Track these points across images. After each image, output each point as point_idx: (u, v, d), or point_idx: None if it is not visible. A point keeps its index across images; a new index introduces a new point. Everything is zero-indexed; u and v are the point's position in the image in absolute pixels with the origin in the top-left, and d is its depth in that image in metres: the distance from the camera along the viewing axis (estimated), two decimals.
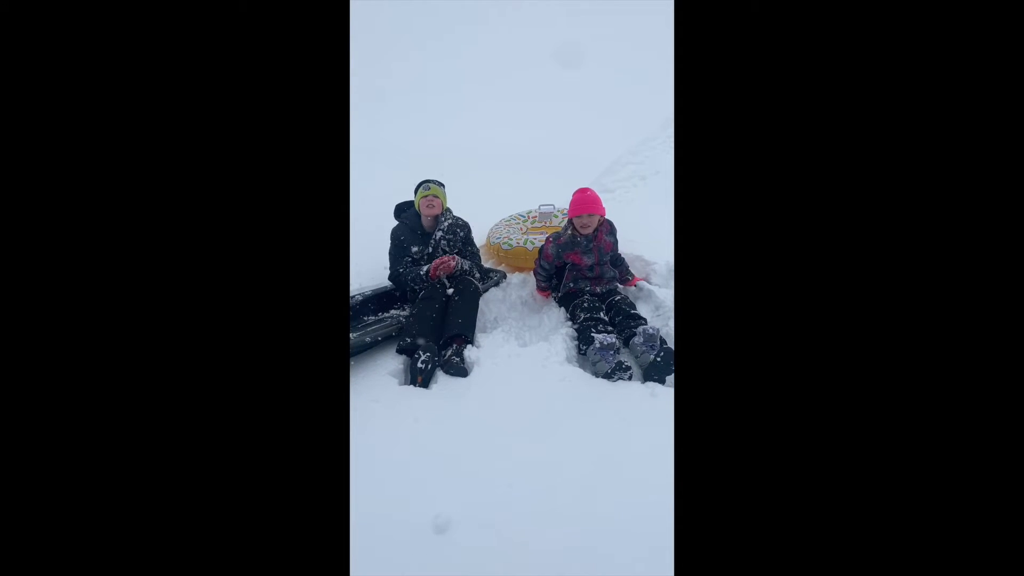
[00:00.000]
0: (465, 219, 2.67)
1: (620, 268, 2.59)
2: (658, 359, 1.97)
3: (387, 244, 2.59)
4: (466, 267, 2.45)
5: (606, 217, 2.50)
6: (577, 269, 2.44)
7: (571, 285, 2.45)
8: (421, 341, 2.01)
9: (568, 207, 2.45)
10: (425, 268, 2.37)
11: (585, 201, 2.38)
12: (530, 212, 3.29)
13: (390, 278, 2.57)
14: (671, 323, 2.25)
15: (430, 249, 2.48)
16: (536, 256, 2.70)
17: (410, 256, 2.50)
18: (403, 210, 2.70)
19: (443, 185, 2.59)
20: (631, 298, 2.53)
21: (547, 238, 2.52)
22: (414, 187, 2.61)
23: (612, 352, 1.98)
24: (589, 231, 2.39)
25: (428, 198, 2.47)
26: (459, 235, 2.54)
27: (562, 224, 3.09)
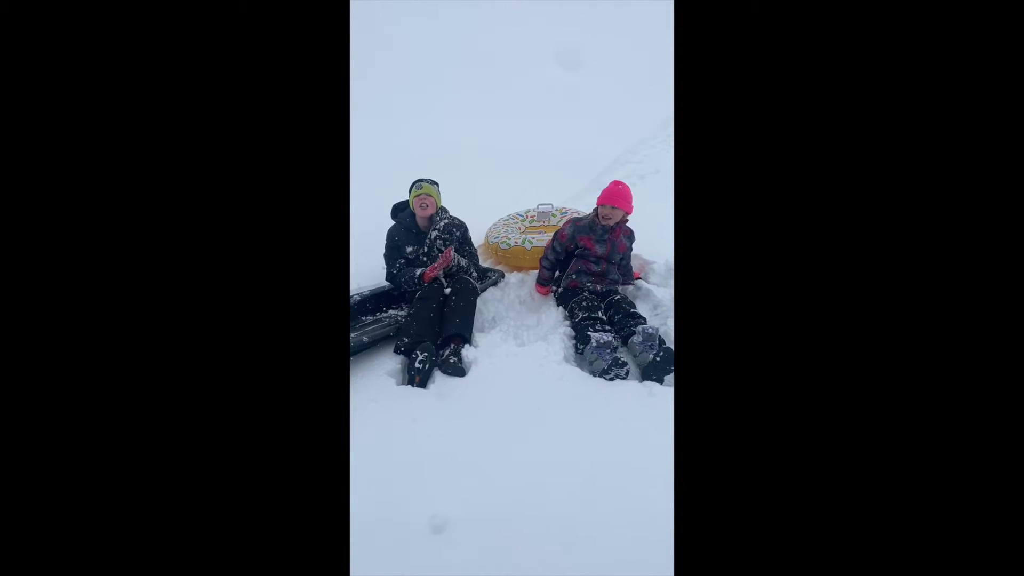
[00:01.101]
0: (463, 219, 2.66)
1: (624, 273, 2.61)
2: (657, 359, 1.97)
3: (382, 244, 2.59)
4: (463, 263, 2.45)
5: (628, 224, 2.55)
6: (586, 256, 2.45)
7: (573, 277, 2.45)
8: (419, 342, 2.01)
9: (596, 198, 2.52)
10: (420, 271, 2.36)
11: (614, 193, 2.44)
12: (528, 212, 3.29)
13: (387, 279, 2.57)
14: (669, 322, 2.25)
15: (425, 248, 2.48)
16: (535, 256, 2.70)
17: (404, 256, 2.49)
18: (400, 210, 2.68)
19: (436, 183, 2.57)
20: (630, 297, 2.53)
21: (566, 220, 2.59)
22: (408, 186, 2.59)
23: (609, 350, 1.98)
24: (610, 223, 2.44)
25: (421, 197, 2.45)
26: (455, 234, 2.53)
27: (560, 223, 3.09)
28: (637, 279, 2.67)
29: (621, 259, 2.52)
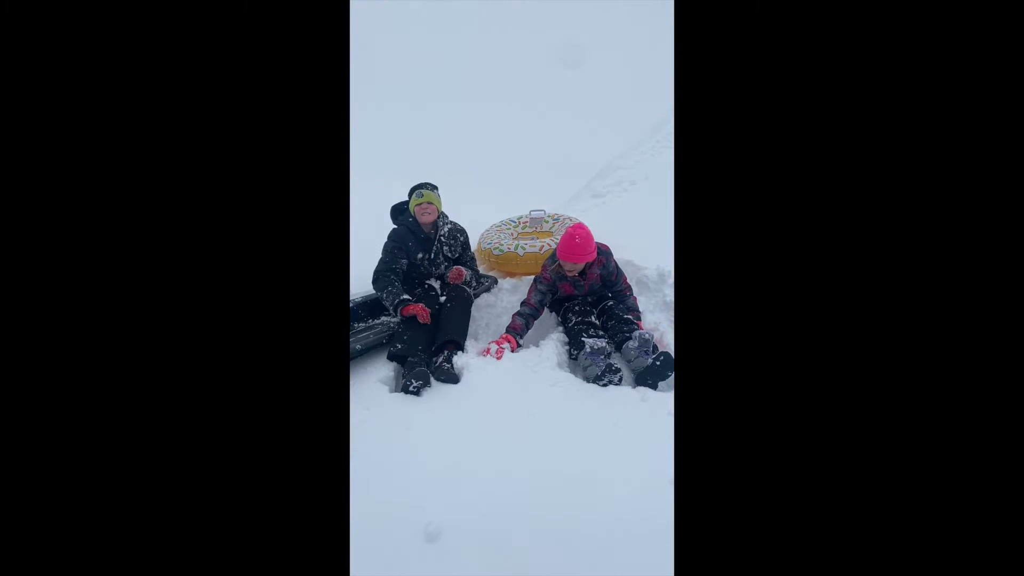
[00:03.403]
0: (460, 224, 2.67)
1: (608, 285, 2.42)
2: (657, 363, 1.98)
3: (379, 249, 2.54)
4: (469, 278, 2.48)
5: (598, 252, 2.32)
6: (568, 296, 2.40)
7: (562, 294, 2.44)
8: (413, 360, 2.01)
9: (559, 242, 2.32)
10: (401, 301, 2.25)
11: (571, 249, 2.22)
12: (521, 217, 3.29)
13: (375, 272, 2.44)
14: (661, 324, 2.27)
15: (432, 255, 2.49)
16: (527, 262, 2.70)
17: (414, 260, 2.46)
18: (400, 212, 2.68)
19: (436, 188, 2.57)
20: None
21: (544, 264, 2.41)
22: (408, 190, 2.58)
23: (603, 356, 1.99)
24: (574, 274, 2.28)
25: (422, 205, 2.45)
26: (459, 240, 2.55)
27: (553, 229, 3.09)
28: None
29: (602, 283, 2.39)
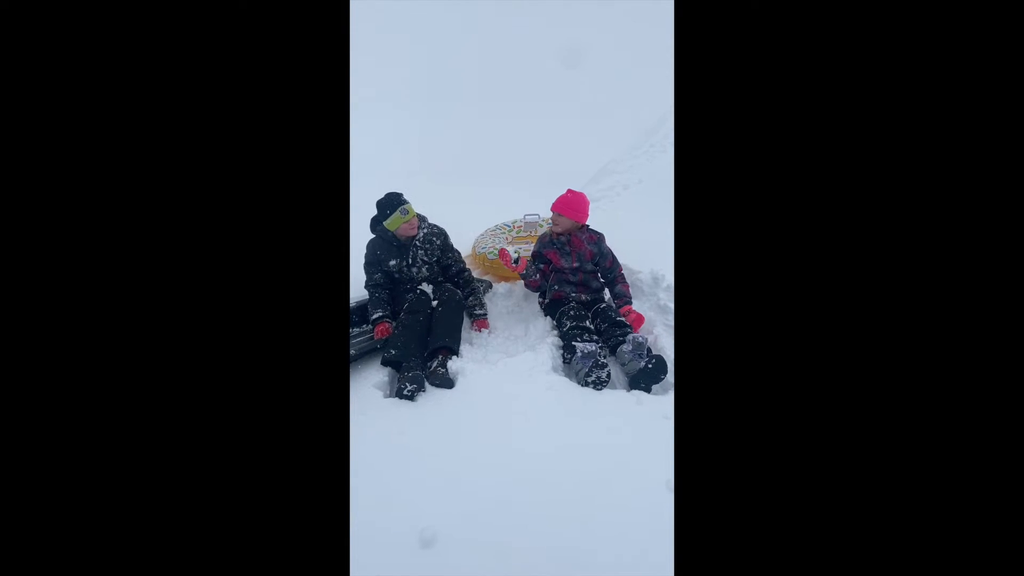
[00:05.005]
0: (450, 229, 2.65)
1: (606, 277, 2.54)
2: (649, 366, 1.99)
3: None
4: (476, 285, 2.52)
5: (588, 225, 2.51)
6: (558, 271, 2.46)
7: (556, 288, 2.45)
8: (407, 368, 2.00)
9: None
10: (375, 319, 2.34)
11: (560, 201, 2.44)
12: (515, 222, 3.30)
13: (365, 286, 2.52)
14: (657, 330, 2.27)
15: (408, 261, 2.47)
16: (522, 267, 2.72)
17: (386, 269, 2.46)
18: (379, 222, 2.65)
19: (407, 201, 2.53)
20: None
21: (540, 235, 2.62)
22: (379, 204, 2.47)
23: (592, 360, 1.99)
24: (558, 230, 2.45)
25: (410, 221, 2.43)
26: (436, 243, 2.53)
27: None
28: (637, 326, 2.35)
29: (595, 265, 2.49)
